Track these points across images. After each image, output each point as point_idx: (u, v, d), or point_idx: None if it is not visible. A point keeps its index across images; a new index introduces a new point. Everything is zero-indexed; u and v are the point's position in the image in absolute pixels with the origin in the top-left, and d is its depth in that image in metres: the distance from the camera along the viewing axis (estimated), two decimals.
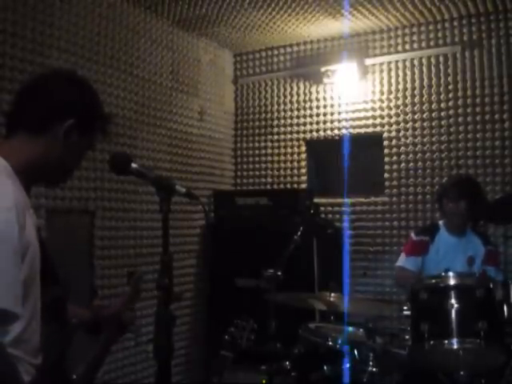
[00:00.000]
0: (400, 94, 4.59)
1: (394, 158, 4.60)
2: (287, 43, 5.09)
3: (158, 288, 1.46)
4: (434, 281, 2.65)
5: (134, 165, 1.55)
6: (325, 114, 4.96)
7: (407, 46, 4.59)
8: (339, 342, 2.88)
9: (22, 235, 1.33)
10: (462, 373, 2.49)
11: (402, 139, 4.58)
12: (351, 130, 4.79)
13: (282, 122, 5.17)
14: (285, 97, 5.17)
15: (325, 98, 4.96)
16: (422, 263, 3.35)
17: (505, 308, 2.57)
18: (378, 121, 4.68)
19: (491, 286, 2.56)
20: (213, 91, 5.07)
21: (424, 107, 4.49)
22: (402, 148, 4.57)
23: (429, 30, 4.49)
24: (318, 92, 4.99)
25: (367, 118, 4.73)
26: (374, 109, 4.70)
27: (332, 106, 4.92)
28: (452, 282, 2.56)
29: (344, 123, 4.83)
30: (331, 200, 4.82)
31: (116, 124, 1.62)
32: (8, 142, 1.48)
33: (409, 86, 4.56)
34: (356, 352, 2.83)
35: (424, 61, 4.51)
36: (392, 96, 4.63)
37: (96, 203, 3.73)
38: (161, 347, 1.46)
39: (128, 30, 4.09)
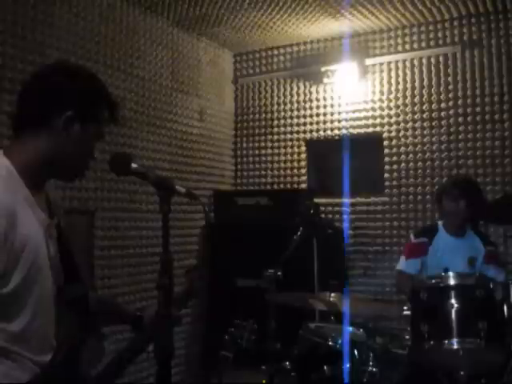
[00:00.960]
0: (400, 94, 4.59)
1: (394, 158, 4.60)
2: (287, 43, 5.09)
3: (158, 288, 1.46)
4: (433, 281, 2.65)
5: (134, 165, 1.55)
6: (325, 114, 4.96)
7: (407, 46, 4.59)
8: (339, 342, 2.88)
9: (6, 238, 1.32)
10: (462, 373, 2.49)
11: (402, 139, 4.58)
12: (351, 130, 4.79)
13: (282, 122, 5.17)
14: (285, 97, 5.17)
15: (325, 98, 4.96)
16: (422, 265, 3.34)
17: (505, 308, 2.57)
18: (378, 121, 4.68)
19: (491, 286, 2.56)
20: (213, 91, 5.07)
21: (424, 107, 4.49)
22: (402, 148, 4.57)
23: (429, 30, 4.49)
24: (317, 92, 4.99)
25: (367, 118, 4.73)
26: (373, 109, 4.70)
27: (332, 106, 4.92)
28: (452, 281, 2.56)
29: (344, 123, 4.83)
30: (331, 200, 4.82)
31: (123, 112, 1.61)
32: (14, 143, 1.49)
33: (409, 86, 4.56)
34: (356, 352, 2.83)
35: (424, 61, 4.51)
36: (392, 96, 4.63)
37: (96, 203, 3.73)
38: (161, 347, 1.46)
39: (128, 29, 4.09)
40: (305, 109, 5.06)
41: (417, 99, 4.53)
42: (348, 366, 2.78)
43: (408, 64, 4.58)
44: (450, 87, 4.39)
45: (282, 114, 5.18)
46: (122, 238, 3.95)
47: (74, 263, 1.59)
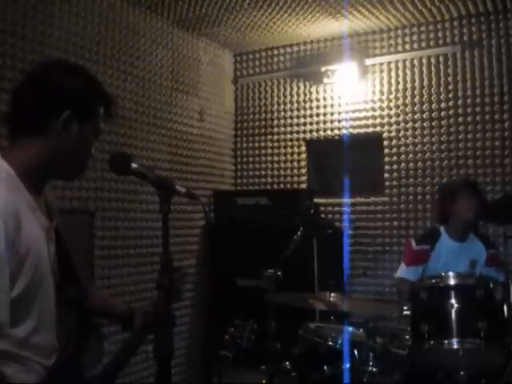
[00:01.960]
0: (400, 94, 4.59)
1: (394, 158, 4.60)
2: (287, 43, 5.09)
3: (158, 288, 1.46)
4: (433, 281, 2.64)
5: (134, 165, 1.55)
6: (325, 114, 4.96)
7: (407, 46, 4.59)
8: (339, 342, 2.88)
9: (14, 242, 1.31)
10: (462, 373, 2.49)
11: (402, 139, 4.58)
12: (351, 130, 4.79)
13: (282, 122, 5.17)
14: (285, 97, 5.17)
15: (325, 98, 4.96)
16: (423, 271, 3.30)
17: (505, 308, 2.57)
18: (378, 121, 4.68)
19: (491, 286, 2.56)
20: (213, 91, 5.07)
21: (424, 107, 4.49)
22: (402, 148, 4.57)
23: (429, 30, 4.49)
24: (317, 92, 4.99)
25: (367, 118, 4.73)
26: (374, 109, 4.70)
27: (332, 106, 4.92)
28: (452, 282, 2.55)
29: (344, 123, 4.83)
30: (331, 200, 4.82)
31: (117, 115, 1.59)
32: (12, 146, 1.46)
33: (409, 85, 4.56)
34: (356, 352, 2.83)
35: (424, 61, 4.51)
36: (392, 96, 4.63)
37: (96, 203, 3.73)
38: (161, 347, 1.46)
39: (128, 29, 4.09)
40: (305, 109, 5.06)
41: (417, 99, 4.53)
42: (348, 366, 2.78)
43: (408, 64, 4.58)
44: (450, 87, 4.39)
45: (282, 113, 5.18)
46: (122, 238, 3.95)
47: (71, 265, 1.58)
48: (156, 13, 4.32)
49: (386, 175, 4.62)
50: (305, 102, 5.07)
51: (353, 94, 4.77)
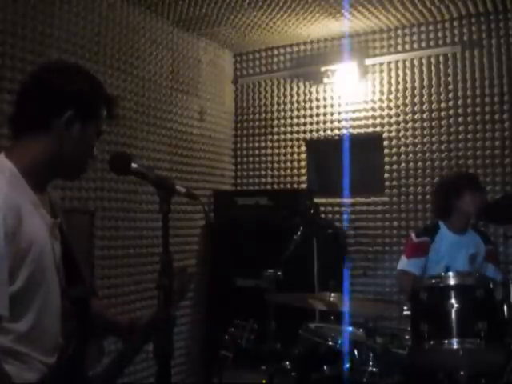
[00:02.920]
0: (400, 94, 4.59)
1: (394, 157, 4.60)
2: (287, 43, 5.09)
3: (158, 288, 1.46)
4: (433, 281, 2.64)
5: (134, 165, 1.55)
6: (325, 114, 4.96)
7: (407, 46, 4.59)
8: (339, 342, 2.88)
9: (15, 236, 1.32)
10: (462, 373, 2.49)
11: (402, 139, 4.58)
12: (351, 130, 4.79)
13: (282, 122, 5.17)
14: (285, 97, 5.17)
15: (325, 98, 4.96)
16: (426, 264, 3.32)
17: (505, 308, 2.57)
18: (378, 121, 4.69)
19: (491, 286, 2.56)
20: (213, 91, 5.07)
21: (424, 107, 4.49)
22: (402, 148, 4.57)
23: (429, 30, 4.49)
24: (317, 92, 4.99)
25: (367, 118, 4.73)
26: (374, 109, 4.70)
27: (332, 106, 4.92)
28: (452, 281, 2.55)
29: (344, 123, 4.83)
30: (331, 200, 4.82)
31: (119, 116, 1.61)
32: (15, 145, 1.49)
33: (409, 85, 4.56)
34: (356, 352, 2.83)
35: (424, 61, 4.51)
36: (392, 96, 4.63)
37: (96, 203, 3.73)
38: (161, 347, 1.46)
39: (128, 30, 4.09)
40: (305, 109, 5.06)
41: (417, 99, 4.53)
42: (348, 366, 2.78)
43: (408, 64, 4.58)
44: (450, 87, 4.39)
45: (282, 113, 5.18)
46: (122, 238, 3.95)
47: (76, 264, 1.59)
48: (156, 13, 4.32)
49: (386, 175, 4.62)
50: (305, 102, 5.06)
51: (353, 93, 4.77)
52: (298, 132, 5.09)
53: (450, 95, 4.39)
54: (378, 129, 4.68)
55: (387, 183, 4.62)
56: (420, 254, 3.36)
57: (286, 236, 3.13)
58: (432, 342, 2.44)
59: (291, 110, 5.13)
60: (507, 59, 4.19)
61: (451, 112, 4.39)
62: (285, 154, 5.16)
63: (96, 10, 3.80)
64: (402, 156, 4.57)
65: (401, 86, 4.59)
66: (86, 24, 3.71)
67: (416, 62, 4.55)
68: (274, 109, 5.22)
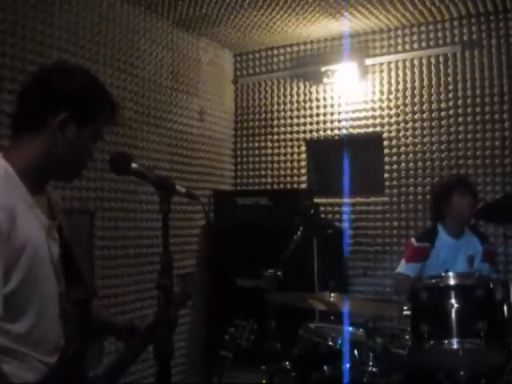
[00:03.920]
0: (400, 94, 4.59)
1: (394, 157, 4.60)
2: (287, 43, 5.09)
3: (158, 288, 1.46)
4: (433, 281, 2.64)
5: (134, 165, 1.55)
6: (325, 114, 4.96)
7: (407, 46, 4.59)
8: (339, 342, 2.88)
9: (9, 236, 1.32)
10: (462, 373, 2.48)
11: (402, 139, 4.58)
12: (351, 130, 4.79)
13: (282, 122, 5.17)
14: (285, 97, 5.17)
15: (325, 98, 4.96)
16: (423, 269, 3.30)
17: (505, 308, 2.57)
18: (378, 121, 4.68)
19: (491, 286, 2.56)
20: (213, 91, 5.07)
21: (424, 107, 4.49)
22: (402, 148, 4.58)
23: (429, 30, 4.49)
24: (317, 92, 4.99)
25: (367, 118, 4.73)
26: (373, 109, 4.70)
27: (332, 106, 4.92)
28: (452, 282, 2.55)
29: (344, 123, 4.83)
30: (331, 200, 4.82)
31: (120, 115, 1.60)
32: (13, 144, 1.49)
33: (409, 85, 4.56)
34: (356, 352, 2.83)
35: (424, 61, 4.51)
36: (392, 96, 4.63)
37: (96, 203, 3.73)
38: (161, 347, 1.46)
39: (128, 29, 4.09)
40: (305, 109, 5.06)
41: (417, 99, 4.53)
42: (348, 365, 2.78)
43: (408, 64, 4.58)
44: (450, 87, 4.39)
45: (282, 113, 5.18)
46: (122, 238, 3.95)
47: (75, 265, 1.59)
48: (156, 13, 4.32)
49: (386, 175, 4.62)
50: (305, 102, 5.06)
51: (353, 93, 4.77)
52: (298, 132, 5.09)
53: (450, 95, 4.39)
54: (378, 129, 4.68)
55: (387, 183, 4.62)
56: (418, 259, 3.34)
57: (286, 236, 3.14)
58: (432, 342, 2.44)
59: (291, 110, 5.13)
60: (507, 59, 4.19)
61: (451, 112, 4.39)
62: (285, 154, 5.16)
63: (96, 9, 3.80)
64: (402, 156, 4.57)
65: (401, 86, 4.59)
66: (85, 24, 3.71)
67: (416, 62, 4.55)
68: (274, 109, 5.22)
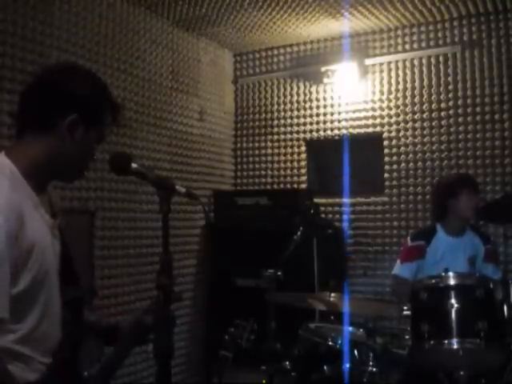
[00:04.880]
0: (400, 94, 4.59)
1: (394, 157, 4.60)
2: (287, 43, 5.09)
3: (158, 288, 1.46)
4: (433, 281, 2.64)
5: (134, 165, 1.55)
6: (325, 114, 4.96)
7: (407, 46, 4.59)
8: (339, 342, 2.88)
9: (17, 238, 1.32)
10: (461, 373, 2.48)
11: (402, 139, 4.58)
12: (351, 130, 4.79)
13: (282, 122, 5.17)
14: (285, 97, 5.17)
15: (325, 98, 4.96)
16: (420, 268, 3.28)
17: (505, 308, 2.57)
18: (378, 121, 4.68)
19: (491, 286, 2.56)
20: (213, 91, 5.07)
21: (424, 107, 4.49)
22: (402, 148, 4.57)
23: (429, 30, 4.49)
24: (317, 92, 4.99)
25: (367, 118, 4.73)
26: (374, 109, 4.70)
27: (332, 106, 4.92)
28: (452, 282, 2.55)
29: (344, 123, 4.83)
30: (331, 200, 4.82)
31: (125, 115, 1.61)
32: (17, 145, 1.48)
33: (409, 85, 4.56)
34: (356, 352, 2.83)
35: (424, 61, 4.51)
36: (392, 96, 4.63)
37: (96, 203, 3.73)
38: (161, 347, 1.46)
39: (128, 30, 4.09)
40: (305, 109, 5.06)
41: (417, 99, 4.53)
42: (348, 365, 2.78)
43: (408, 64, 4.58)
44: (450, 87, 4.39)
45: (282, 113, 5.18)
46: (122, 238, 3.95)
47: (72, 265, 1.59)
48: (156, 13, 4.32)
49: (386, 175, 4.62)
50: (305, 102, 5.07)
51: (353, 94, 4.77)
52: (298, 132, 5.09)
53: (450, 95, 4.39)
54: (378, 129, 4.68)
55: (387, 183, 4.62)
56: (412, 258, 3.31)
57: (286, 236, 3.13)
58: (432, 342, 2.44)
59: (291, 110, 5.13)
60: (507, 59, 4.19)
61: (451, 112, 4.39)
62: (285, 154, 5.16)
63: (96, 9, 3.80)
64: (402, 156, 4.57)
65: (401, 86, 4.59)
66: (85, 24, 3.71)
67: (416, 62, 4.55)
68: (274, 109, 5.22)
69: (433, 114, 4.46)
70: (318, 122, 4.99)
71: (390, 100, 4.64)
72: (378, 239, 4.62)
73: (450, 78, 4.40)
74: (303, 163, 5.07)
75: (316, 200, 4.68)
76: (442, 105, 4.42)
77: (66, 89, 1.47)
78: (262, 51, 5.28)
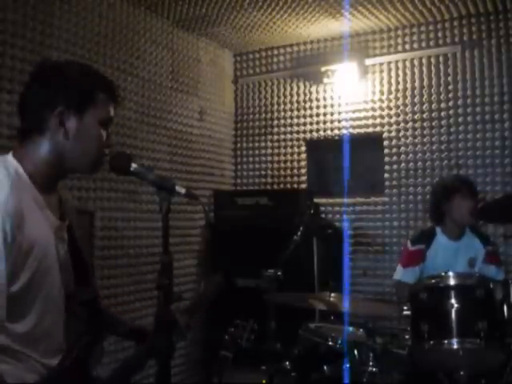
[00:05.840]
0: (400, 94, 4.59)
1: (394, 157, 4.60)
2: (287, 43, 5.09)
3: (158, 288, 1.46)
4: (433, 281, 2.64)
5: (134, 165, 1.55)
6: (325, 114, 4.96)
7: (407, 46, 4.59)
8: (339, 342, 2.88)
9: (15, 238, 1.32)
10: (462, 373, 2.48)
11: (402, 139, 4.58)
12: (351, 130, 4.79)
13: (282, 122, 5.17)
14: (285, 97, 5.17)
15: (325, 98, 4.96)
16: (423, 271, 3.26)
17: (505, 308, 2.57)
18: (378, 121, 4.68)
19: (491, 286, 2.55)
20: (213, 91, 5.07)
21: (424, 107, 4.49)
22: (402, 148, 4.57)
23: (429, 30, 4.49)
24: (317, 92, 4.99)
25: (367, 118, 4.73)
26: (374, 109, 4.70)
27: (332, 106, 4.92)
28: (452, 282, 2.55)
29: (344, 123, 4.83)
30: (331, 200, 4.82)
31: (120, 95, 1.57)
32: (21, 145, 1.49)
33: (409, 86, 4.56)
34: (356, 352, 2.83)
35: (424, 61, 4.51)
36: (392, 96, 4.63)
37: (96, 203, 3.73)
38: (161, 347, 1.46)
39: (128, 30, 4.09)
40: (305, 109, 5.06)
41: (417, 99, 4.53)
42: (348, 366, 2.78)
43: (408, 64, 4.58)
44: (450, 87, 4.39)
45: (282, 113, 5.18)
46: (122, 238, 3.95)
47: (84, 266, 1.58)
48: (156, 13, 4.32)
49: (386, 175, 4.62)
50: (305, 102, 5.06)
51: (353, 93, 4.77)
52: (298, 132, 5.09)
53: (450, 95, 4.39)
54: (378, 129, 4.68)
55: (387, 183, 4.62)
56: (415, 263, 3.29)
57: (286, 236, 3.13)
58: (432, 342, 2.44)
59: (291, 110, 5.13)
60: (507, 59, 4.19)
61: (451, 112, 4.39)
62: (285, 154, 5.16)
63: (96, 9, 3.80)
64: (402, 156, 4.57)
65: (401, 86, 4.59)
66: (86, 24, 3.71)
67: (416, 62, 4.54)
68: (274, 109, 5.22)
69: (433, 114, 4.46)
70: (318, 122, 4.99)
71: (389, 100, 4.64)
72: (378, 239, 4.62)
73: (449, 78, 4.40)
74: (303, 163, 5.07)
75: (316, 200, 4.68)
76: (442, 105, 4.42)
77: (45, 85, 1.47)
78: (262, 51, 5.28)
